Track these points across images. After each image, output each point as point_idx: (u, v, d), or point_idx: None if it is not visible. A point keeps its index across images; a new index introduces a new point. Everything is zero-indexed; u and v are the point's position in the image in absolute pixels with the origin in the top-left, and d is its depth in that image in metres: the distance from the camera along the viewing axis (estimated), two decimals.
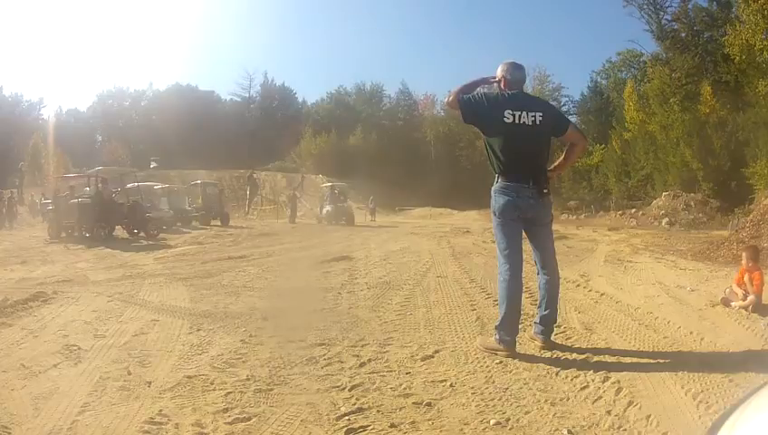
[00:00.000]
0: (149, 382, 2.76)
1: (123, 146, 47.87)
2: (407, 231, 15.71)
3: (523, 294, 3.55)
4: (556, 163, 3.48)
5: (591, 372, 2.79)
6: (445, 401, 2.49)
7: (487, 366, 2.96)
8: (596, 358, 3.07)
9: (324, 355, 3.19)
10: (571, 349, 3.26)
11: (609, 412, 2.32)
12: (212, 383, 2.74)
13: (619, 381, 2.65)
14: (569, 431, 2.15)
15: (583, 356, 3.10)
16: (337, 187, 24.40)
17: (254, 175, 33.60)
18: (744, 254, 4.59)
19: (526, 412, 2.34)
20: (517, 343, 3.16)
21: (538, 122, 3.16)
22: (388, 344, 3.42)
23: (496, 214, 3.23)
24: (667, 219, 22.50)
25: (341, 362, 3.07)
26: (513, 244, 3.19)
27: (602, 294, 5.03)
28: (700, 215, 22.70)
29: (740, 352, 3.17)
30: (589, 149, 32.22)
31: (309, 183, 34.92)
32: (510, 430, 2.20)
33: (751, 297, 4.16)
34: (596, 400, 2.47)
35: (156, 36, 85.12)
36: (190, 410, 2.40)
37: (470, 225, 19.23)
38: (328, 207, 22.59)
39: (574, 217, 28.44)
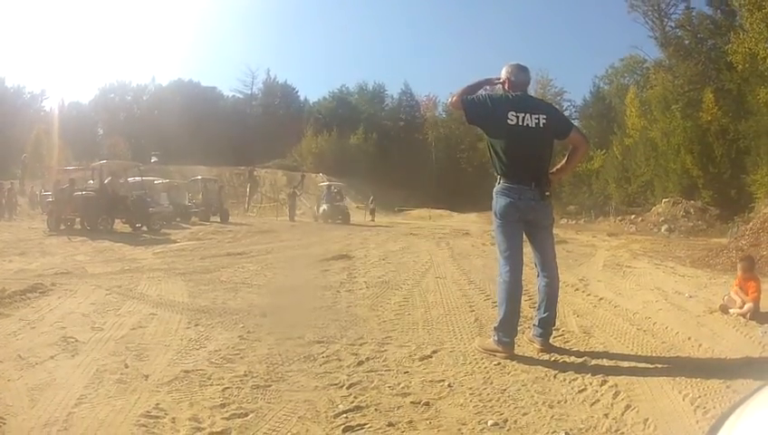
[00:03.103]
0: (147, 376, 2.75)
1: (124, 140, 47.79)
2: (406, 232, 15.69)
3: (522, 297, 3.55)
4: (558, 166, 3.48)
5: (589, 375, 2.79)
6: (443, 400, 2.49)
7: (485, 367, 2.95)
8: (594, 361, 3.07)
9: (323, 353, 3.19)
10: (569, 352, 3.26)
11: (606, 415, 2.32)
12: (209, 378, 2.74)
13: (616, 385, 2.64)
14: (566, 434, 2.15)
15: (581, 359, 3.10)
16: (334, 186, 24.47)
17: (255, 172, 33.62)
18: (739, 265, 4.62)
19: (524, 414, 2.33)
20: (515, 345, 3.15)
21: (542, 125, 3.15)
22: (387, 343, 3.41)
23: (497, 215, 3.22)
24: (666, 226, 22.51)
25: (340, 360, 3.06)
26: (514, 245, 3.18)
27: (601, 299, 5.02)
28: (699, 222, 22.71)
29: (738, 358, 3.16)
30: (590, 154, 32.23)
31: (309, 181, 34.81)
32: (507, 431, 2.19)
33: (748, 305, 4.16)
34: (594, 403, 2.46)
35: (159, 31, 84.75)
36: (187, 405, 2.40)
37: (469, 227, 19.23)
38: (324, 206, 22.69)
39: (574, 221, 28.45)
